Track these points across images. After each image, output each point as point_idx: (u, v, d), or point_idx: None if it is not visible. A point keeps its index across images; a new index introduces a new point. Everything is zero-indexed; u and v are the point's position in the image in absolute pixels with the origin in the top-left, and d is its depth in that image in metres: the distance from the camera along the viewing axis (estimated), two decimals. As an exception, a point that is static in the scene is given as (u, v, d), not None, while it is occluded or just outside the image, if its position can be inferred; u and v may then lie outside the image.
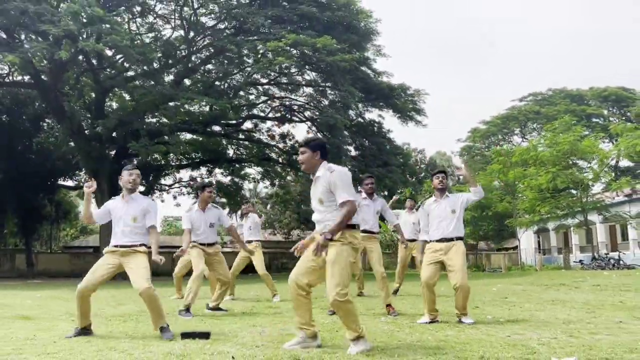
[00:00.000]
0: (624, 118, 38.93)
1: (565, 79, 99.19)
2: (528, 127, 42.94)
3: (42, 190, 30.78)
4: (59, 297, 10.36)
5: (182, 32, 25.51)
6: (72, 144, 27.11)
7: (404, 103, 24.09)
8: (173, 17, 25.65)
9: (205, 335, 4.27)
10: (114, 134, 25.34)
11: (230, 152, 30.02)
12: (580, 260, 24.65)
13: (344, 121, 19.86)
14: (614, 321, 5.32)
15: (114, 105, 28.73)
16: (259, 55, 20.07)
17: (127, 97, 28.14)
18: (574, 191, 25.70)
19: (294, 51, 18.92)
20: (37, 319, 6.30)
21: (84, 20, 16.17)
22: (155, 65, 23.85)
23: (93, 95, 27.46)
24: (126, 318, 6.25)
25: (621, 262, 22.32)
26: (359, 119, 26.30)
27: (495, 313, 6.25)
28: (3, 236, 34.64)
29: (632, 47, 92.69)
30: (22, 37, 18.90)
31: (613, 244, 31.58)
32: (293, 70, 22.76)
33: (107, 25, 16.63)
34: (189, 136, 28.62)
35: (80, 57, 22.82)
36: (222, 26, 23.26)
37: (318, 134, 26.92)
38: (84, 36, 17.11)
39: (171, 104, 23.82)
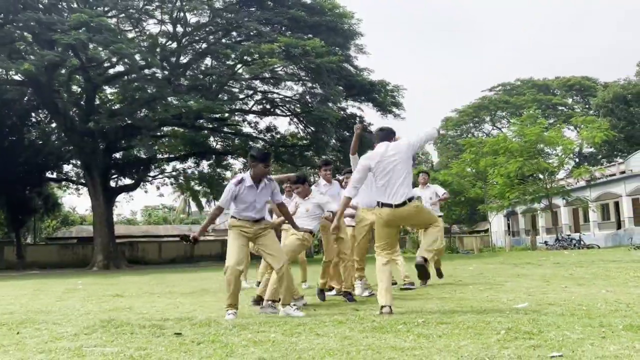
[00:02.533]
0: (587, 106, 41.77)
1: (533, 68, 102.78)
2: (498, 116, 45.47)
3: (31, 183, 31.61)
4: (100, 282, 11.86)
5: (169, 27, 26.66)
6: (65, 139, 28.12)
7: (384, 98, 25.91)
8: (159, 12, 26.71)
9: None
10: (105, 129, 26.38)
11: (217, 144, 31.38)
12: (545, 242, 27.20)
13: (336, 115, 21.51)
14: (561, 287, 7.27)
15: (105, 100, 29.67)
16: (252, 58, 21.52)
17: (116, 92, 29.21)
18: (541, 176, 28.11)
19: (284, 53, 20.47)
20: (132, 296, 7.87)
21: (92, 28, 17.35)
22: (141, 62, 24.93)
23: (82, 91, 28.41)
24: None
25: (582, 242, 24.89)
26: (342, 113, 28.07)
27: (475, 284, 8.16)
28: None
29: (597, 35, 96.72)
30: (35, 45, 19.89)
31: (576, 225, 34.40)
32: (279, 68, 24.27)
33: (110, 33, 17.84)
34: (177, 130, 29.91)
35: (70, 53, 23.81)
36: (212, 28, 24.48)
37: (305, 127, 28.65)
38: (92, 45, 18.28)
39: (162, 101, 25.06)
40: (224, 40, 24.93)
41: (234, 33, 24.23)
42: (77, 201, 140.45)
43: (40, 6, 18.62)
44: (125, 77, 26.81)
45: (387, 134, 5.17)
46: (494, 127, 45.22)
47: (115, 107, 29.16)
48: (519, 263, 14.87)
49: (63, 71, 24.95)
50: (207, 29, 25.38)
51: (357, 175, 4.99)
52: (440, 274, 8.52)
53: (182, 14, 25.51)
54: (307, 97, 24.37)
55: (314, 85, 23.66)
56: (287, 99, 28.64)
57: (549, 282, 8.17)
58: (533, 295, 6.10)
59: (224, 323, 4.37)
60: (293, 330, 3.77)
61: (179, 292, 8.05)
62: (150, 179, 34.63)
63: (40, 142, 30.19)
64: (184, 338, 3.62)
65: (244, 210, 5.11)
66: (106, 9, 22.22)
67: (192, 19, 26.15)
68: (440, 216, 7.19)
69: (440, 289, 7.47)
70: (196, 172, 34.79)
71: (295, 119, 29.49)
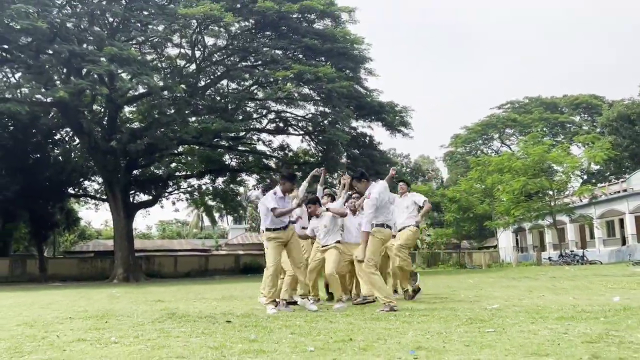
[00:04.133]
0: (594, 124, 42.91)
1: (542, 85, 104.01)
2: (506, 133, 46.73)
3: (53, 199, 33.36)
4: (133, 292, 13.31)
5: (188, 50, 28.39)
6: (88, 156, 29.88)
7: (392, 118, 27.36)
8: (178, 35, 28.46)
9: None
10: (126, 148, 28.03)
11: (233, 162, 32.96)
12: (549, 257, 28.26)
13: (345, 137, 23.04)
14: (538, 296, 8.57)
15: (124, 119, 31.43)
16: (267, 81, 23.18)
17: (136, 112, 31.01)
18: (550, 192, 29.25)
19: (297, 78, 22.09)
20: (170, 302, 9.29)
21: (121, 59, 19.11)
22: (160, 83, 26.63)
23: (104, 110, 30.19)
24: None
25: (585, 258, 25.96)
26: (352, 132, 29.55)
27: (468, 293, 9.49)
28: (10, 243, 37.06)
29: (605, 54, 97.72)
30: (69, 74, 21.69)
31: (582, 242, 35.38)
32: (292, 90, 25.84)
33: (137, 65, 19.56)
34: (194, 148, 31.57)
35: (96, 76, 25.61)
36: (229, 51, 26.16)
37: (316, 145, 30.15)
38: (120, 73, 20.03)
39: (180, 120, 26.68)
40: (241, 64, 26.58)
41: (251, 57, 25.88)
42: (92, 216, 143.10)
43: (73, 37, 20.39)
44: (146, 97, 28.53)
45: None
46: (503, 144, 46.47)
47: (135, 125, 30.97)
48: (517, 277, 16.10)
49: (87, 91, 26.77)
50: (225, 52, 27.05)
51: None
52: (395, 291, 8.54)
53: (200, 37, 27.24)
54: (319, 117, 25.89)
55: (325, 108, 25.21)
56: (300, 118, 30.20)
57: (532, 292, 9.47)
58: (509, 301, 7.43)
59: (260, 314, 5.79)
60: (313, 319, 5.19)
61: (210, 298, 9.46)
62: (166, 194, 36.25)
63: (63, 160, 31.96)
64: (233, 324, 5.04)
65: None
66: (131, 38, 23.99)
67: (209, 41, 27.94)
68: (416, 226, 7.75)
69: (434, 295, 8.81)
70: (211, 188, 36.40)
71: (307, 137, 31.03)
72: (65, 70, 22.07)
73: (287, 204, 6.60)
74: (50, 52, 20.57)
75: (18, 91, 21.56)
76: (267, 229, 6.47)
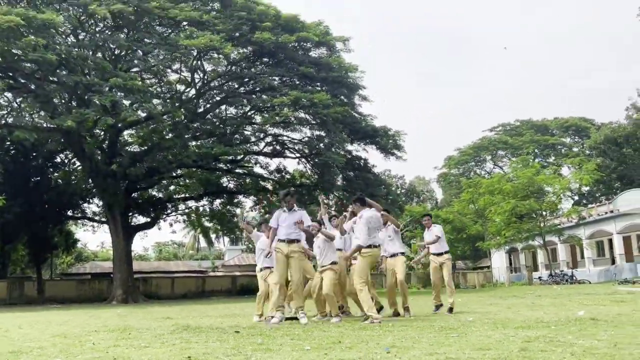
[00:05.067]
0: (583, 146, 44.27)
1: (533, 108, 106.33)
2: (498, 155, 48.03)
3: (52, 221, 34.12)
4: (137, 312, 14.13)
5: (187, 76, 29.52)
6: (88, 179, 30.80)
7: (386, 142, 28.50)
8: (178, 62, 29.62)
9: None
10: (127, 172, 28.93)
11: (231, 184, 33.94)
12: (539, 277, 29.19)
13: (339, 160, 24.14)
14: (514, 311, 9.50)
15: (124, 142, 32.42)
16: (265, 107, 24.38)
17: (135, 135, 32.03)
18: (542, 213, 30.28)
19: (296, 106, 23.32)
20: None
21: (126, 89, 20.24)
22: (160, 108, 27.69)
23: (105, 134, 31.17)
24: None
25: (574, 277, 26.91)
26: (347, 155, 30.65)
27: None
28: (8, 265, 37.65)
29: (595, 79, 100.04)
30: (71, 100, 22.80)
31: (574, 261, 36.37)
32: (290, 115, 26.98)
33: (141, 94, 20.69)
34: (193, 171, 32.57)
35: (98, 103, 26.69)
36: (227, 77, 27.34)
37: (312, 167, 31.21)
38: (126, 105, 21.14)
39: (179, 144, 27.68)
40: (239, 90, 27.73)
41: (249, 83, 27.06)
42: (89, 237, 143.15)
43: (78, 67, 21.54)
44: (146, 122, 29.55)
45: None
46: (495, 166, 47.73)
47: (135, 148, 31.98)
48: (505, 296, 17.04)
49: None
50: (224, 78, 28.22)
51: None
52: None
53: (200, 63, 28.38)
54: (315, 141, 27.01)
55: (321, 132, 26.35)
56: (296, 141, 31.29)
57: (510, 308, 10.40)
58: (485, 315, 8.36)
59: (264, 326, 6.72)
60: (308, 328, 6.13)
61: (214, 315, 10.35)
62: (164, 216, 37.03)
63: (64, 182, 32.81)
64: (241, 334, 5.96)
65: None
66: (133, 65, 25.16)
67: (209, 67, 29.09)
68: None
69: (420, 311, 9.72)
70: (208, 210, 37.23)
71: (303, 160, 32.11)
72: (68, 97, 23.11)
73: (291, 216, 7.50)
74: (56, 80, 21.69)
75: (25, 117, 22.56)
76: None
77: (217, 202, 35.50)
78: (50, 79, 22.98)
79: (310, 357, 3.99)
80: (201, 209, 37.31)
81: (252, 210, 40.14)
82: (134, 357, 4.27)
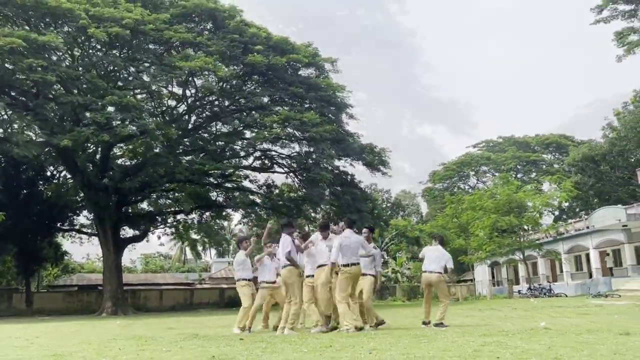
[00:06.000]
0: (563, 162, 45.96)
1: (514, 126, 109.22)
2: (482, 170, 49.63)
3: (42, 233, 34.61)
4: (135, 323, 14.98)
5: (178, 90, 30.36)
6: (79, 192, 31.49)
7: (372, 159, 29.73)
8: (169, 81, 30.48)
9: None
10: (118, 186, 29.60)
11: (220, 198, 34.82)
12: (519, 290, 30.49)
13: (327, 177, 25.29)
14: (485, 321, 10.63)
15: (115, 156, 33.18)
16: (257, 125, 25.50)
17: (128, 150, 32.82)
18: (524, 228, 31.59)
19: (286, 123, 24.48)
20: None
21: (121, 107, 21.22)
22: (152, 125, 28.56)
23: (96, 149, 31.91)
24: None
25: (551, 291, 28.22)
26: (335, 170, 31.78)
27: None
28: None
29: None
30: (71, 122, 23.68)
31: (553, 275, 37.78)
32: (280, 132, 28.08)
33: (136, 112, 21.68)
34: (183, 186, 33.42)
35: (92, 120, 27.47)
36: (218, 92, 28.35)
37: (301, 183, 32.27)
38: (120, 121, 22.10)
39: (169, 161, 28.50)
40: (231, 107, 28.75)
41: (240, 100, 28.10)
42: (75, 249, 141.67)
43: (75, 88, 22.51)
44: (138, 137, 30.35)
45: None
46: (479, 181, 49.36)
47: (126, 162, 32.76)
48: (484, 308, 18.18)
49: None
50: (215, 94, 29.18)
51: None
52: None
53: (191, 79, 29.28)
54: (303, 157, 28.12)
55: (309, 149, 27.49)
56: (284, 156, 32.33)
57: (483, 319, 11.54)
58: (459, 326, 9.48)
59: (264, 336, 7.77)
60: (303, 339, 7.20)
61: (213, 326, 11.34)
62: (152, 229, 37.66)
63: (55, 195, 33.40)
64: (245, 341, 7.01)
65: None
66: (127, 83, 26.14)
67: (200, 83, 30.01)
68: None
69: (402, 322, 10.81)
70: (196, 222, 37.97)
71: (292, 174, 33.15)
72: (62, 115, 23.97)
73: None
74: (52, 98, 22.59)
75: (20, 134, 23.34)
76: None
77: (206, 214, 36.29)
78: (49, 97, 23.87)
79: (308, 356, 5.05)
80: (189, 221, 38.02)
81: (240, 223, 41.06)
82: (165, 358, 5.29)
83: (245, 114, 26.63)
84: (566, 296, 27.46)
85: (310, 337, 7.06)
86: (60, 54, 24.82)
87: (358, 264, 8.28)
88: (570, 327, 8.56)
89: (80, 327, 13.25)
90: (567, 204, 42.43)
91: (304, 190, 32.49)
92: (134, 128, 22.21)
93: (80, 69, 24.06)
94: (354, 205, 29.58)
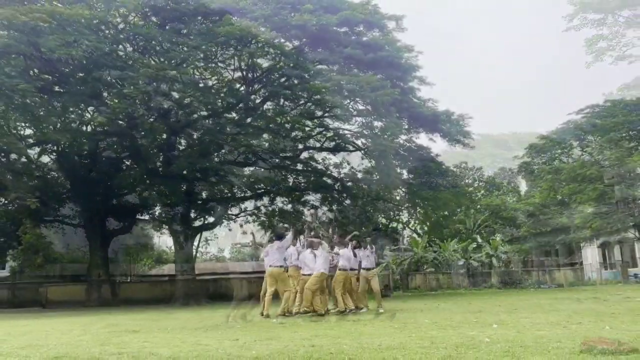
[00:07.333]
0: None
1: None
2: (588, 140, 43.80)
3: (124, 225, 35.48)
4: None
5: (240, 73, 29.16)
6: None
7: (449, 128, 26.66)
8: (232, 60, 29.25)
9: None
10: (184, 173, 29.03)
11: (290, 181, 33.36)
12: (635, 274, 25.94)
13: (393, 147, 22.72)
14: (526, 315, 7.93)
15: (183, 144, 32.81)
16: (311, 95, 23.42)
17: (195, 136, 32.25)
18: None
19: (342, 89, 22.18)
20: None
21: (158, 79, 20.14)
22: (219, 104, 27.50)
23: (164, 136, 31.65)
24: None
25: (676, 274, 23.56)
26: (408, 144, 29.00)
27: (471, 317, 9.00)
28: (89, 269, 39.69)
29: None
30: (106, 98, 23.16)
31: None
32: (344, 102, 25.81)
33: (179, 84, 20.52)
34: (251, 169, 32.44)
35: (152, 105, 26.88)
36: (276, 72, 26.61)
37: (370, 160, 29.90)
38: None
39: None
40: (294, 81, 26.87)
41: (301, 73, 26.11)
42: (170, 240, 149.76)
43: (118, 64, 21.62)
44: (205, 121, 29.49)
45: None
46: (584, 152, 43.51)
47: (194, 149, 32.29)
48: (583, 298, 14.58)
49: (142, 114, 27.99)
50: (272, 73, 27.47)
51: None
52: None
53: (249, 59, 27.78)
54: (368, 128, 25.73)
55: (372, 118, 25.02)
56: (356, 134, 30.01)
57: (534, 310, 8.80)
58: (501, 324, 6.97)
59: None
60: (296, 326, 5.18)
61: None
62: (234, 217, 37.15)
63: (122, 186, 33.65)
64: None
65: None
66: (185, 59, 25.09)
67: (262, 63, 28.48)
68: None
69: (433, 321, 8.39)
70: (277, 209, 36.67)
71: (365, 154, 30.77)
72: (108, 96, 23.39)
73: None
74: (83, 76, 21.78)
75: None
76: None
77: (279, 200, 35.01)
78: (80, 75, 23.05)
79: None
80: (270, 208, 36.85)
81: (317, 208, 39.24)
82: None
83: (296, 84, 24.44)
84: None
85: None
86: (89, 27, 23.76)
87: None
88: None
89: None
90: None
91: (375, 170, 29.95)
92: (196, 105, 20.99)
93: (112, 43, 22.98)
94: (431, 181, 26.78)
